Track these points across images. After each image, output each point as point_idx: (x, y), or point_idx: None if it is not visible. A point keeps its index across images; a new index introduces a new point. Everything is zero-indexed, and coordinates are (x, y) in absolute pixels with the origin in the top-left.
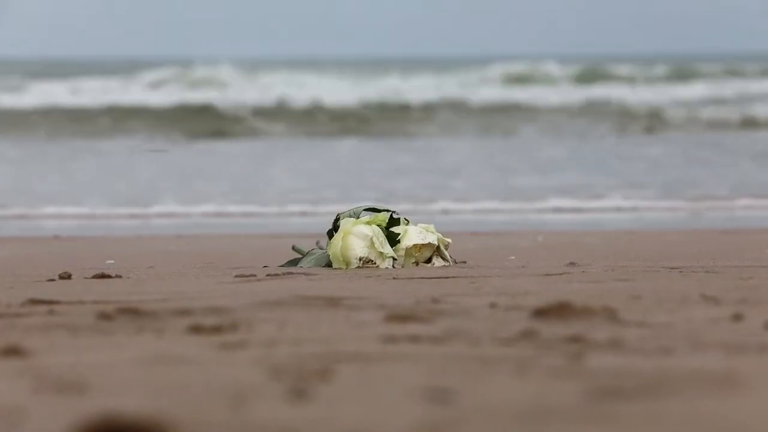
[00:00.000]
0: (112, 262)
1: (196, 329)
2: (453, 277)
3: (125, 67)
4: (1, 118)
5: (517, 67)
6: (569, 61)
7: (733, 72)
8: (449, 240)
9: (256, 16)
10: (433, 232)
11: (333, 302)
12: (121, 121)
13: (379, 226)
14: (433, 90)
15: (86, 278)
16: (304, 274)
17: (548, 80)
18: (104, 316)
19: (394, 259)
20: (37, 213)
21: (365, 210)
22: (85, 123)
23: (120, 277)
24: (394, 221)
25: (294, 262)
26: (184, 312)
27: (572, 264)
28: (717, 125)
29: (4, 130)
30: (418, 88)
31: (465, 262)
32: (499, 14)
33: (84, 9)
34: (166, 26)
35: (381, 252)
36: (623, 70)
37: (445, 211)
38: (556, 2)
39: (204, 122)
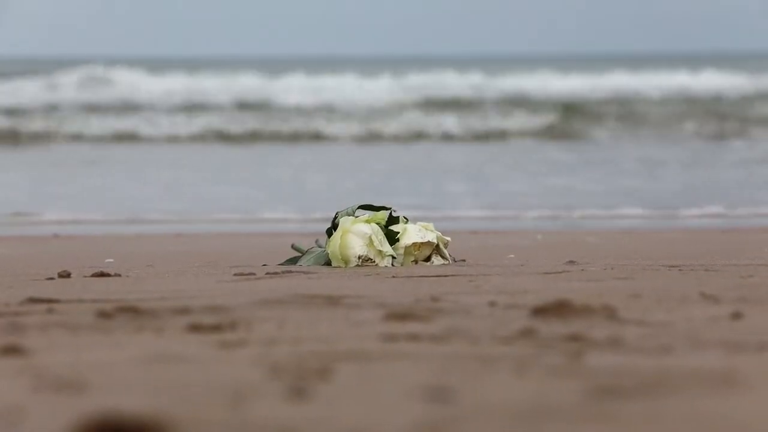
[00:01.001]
0: (112, 260)
1: (196, 328)
2: (452, 275)
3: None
4: None
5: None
6: (569, 59)
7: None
8: (448, 238)
9: (257, 15)
10: (432, 231)
11: (332, 301)
12: None
13: (378, 224)
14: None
15: (85, 277)
16: (304, 272)
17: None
18: (103, 315)
19: (394, 257)
20: None
21: (360, 208)
22: None
23: (119, 275)
24: (393, 219)
25: (293, 261)
26: (184, 311)
27: (572, 262)
28: None
29: None
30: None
31: (464, 261)
32: (499, 14)
33: (84, 8)
34: (172, 26)
35: (380, 250)
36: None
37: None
38: (557, 2)
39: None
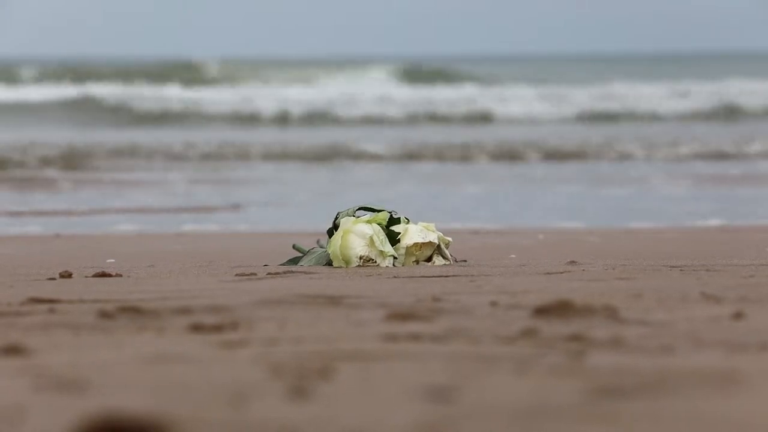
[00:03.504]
0: (113, 260)
1: (197, 328)
2: (454, 275)
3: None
4: None
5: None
6: (569, 59)
7: None
8: (450, 239)
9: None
10: (433, 231)
11: (333, 301)
12: None
13: (379, 224)
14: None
15: (87, 277)
16: (305, 272)
17: None
18: (105, 315)
19: (395, 257)
20: None
21: (361, 209)
22: None
23: (120, 275)
24: (394, 220)
25: (294, 261)
26: (185, 311)
27: (573, 262)
28: None
29: None
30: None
31: (465, 261)
32: (496, 14)
33: (85, 8)
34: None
35: (381, 250)
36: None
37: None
38: (556, 2)
39: None
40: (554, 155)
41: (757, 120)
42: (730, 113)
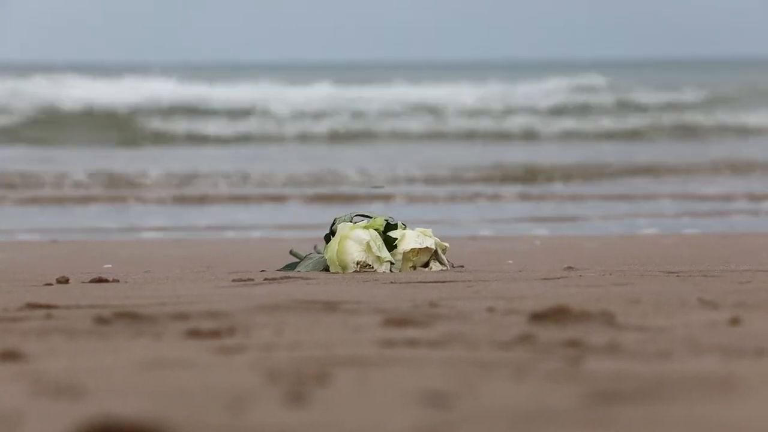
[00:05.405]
0: (110, 266)
1: (194, 333)
2: (451, 281)
3: None
4: None
5: None
6: (573, 64)
7: None
8: (447, 244)
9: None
10: (430, 236)
11: (331, 306)
12: None
13: (376, 230)
14: None
15: (84, 282)
16: (302, 278)
17: None
18: (102, 321)
19: (392, 263)
20: None
21: (358, 216)
22: None
23: (117, 281)
24: (391, 225)
25: (291, 267)
26: (182, 316)
27: (570, 268)
28: None
29: None
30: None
31: (463, 266)
32: (494, 17)
33: (85, 11)
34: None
35: (378, 256)
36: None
37: None
38: (557, 5)
39: None
40: None
41: None
42: None
